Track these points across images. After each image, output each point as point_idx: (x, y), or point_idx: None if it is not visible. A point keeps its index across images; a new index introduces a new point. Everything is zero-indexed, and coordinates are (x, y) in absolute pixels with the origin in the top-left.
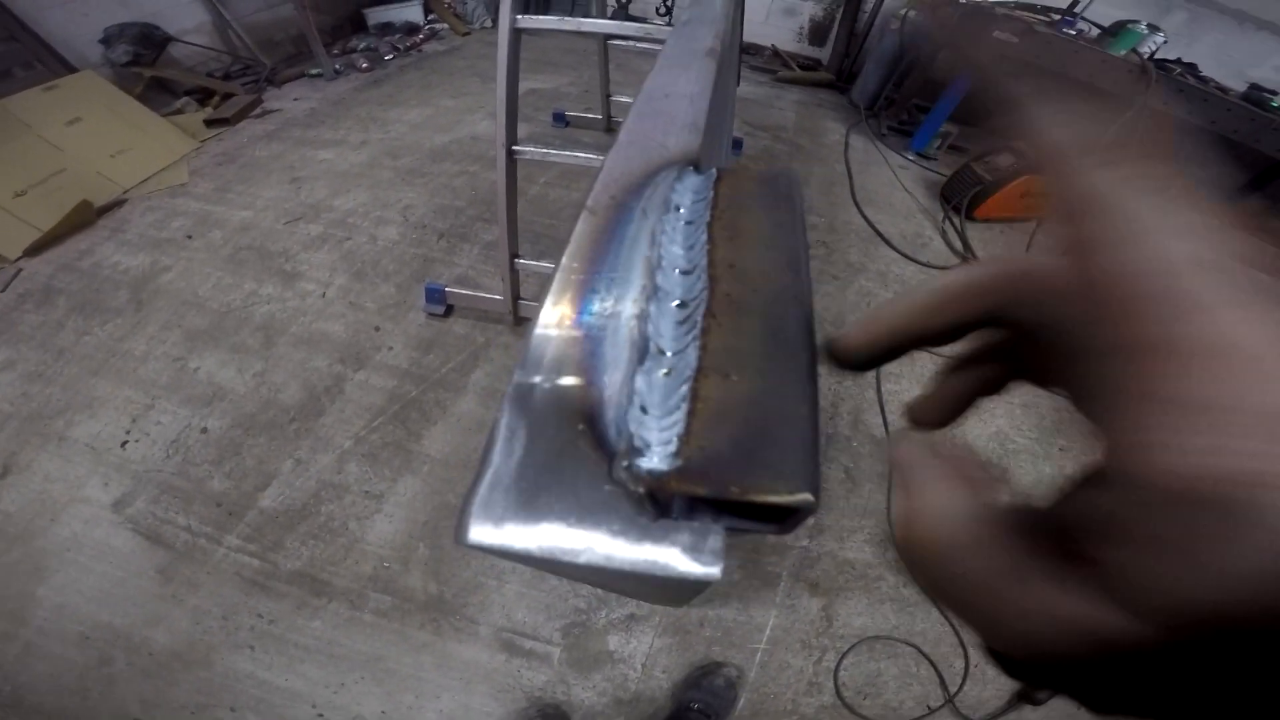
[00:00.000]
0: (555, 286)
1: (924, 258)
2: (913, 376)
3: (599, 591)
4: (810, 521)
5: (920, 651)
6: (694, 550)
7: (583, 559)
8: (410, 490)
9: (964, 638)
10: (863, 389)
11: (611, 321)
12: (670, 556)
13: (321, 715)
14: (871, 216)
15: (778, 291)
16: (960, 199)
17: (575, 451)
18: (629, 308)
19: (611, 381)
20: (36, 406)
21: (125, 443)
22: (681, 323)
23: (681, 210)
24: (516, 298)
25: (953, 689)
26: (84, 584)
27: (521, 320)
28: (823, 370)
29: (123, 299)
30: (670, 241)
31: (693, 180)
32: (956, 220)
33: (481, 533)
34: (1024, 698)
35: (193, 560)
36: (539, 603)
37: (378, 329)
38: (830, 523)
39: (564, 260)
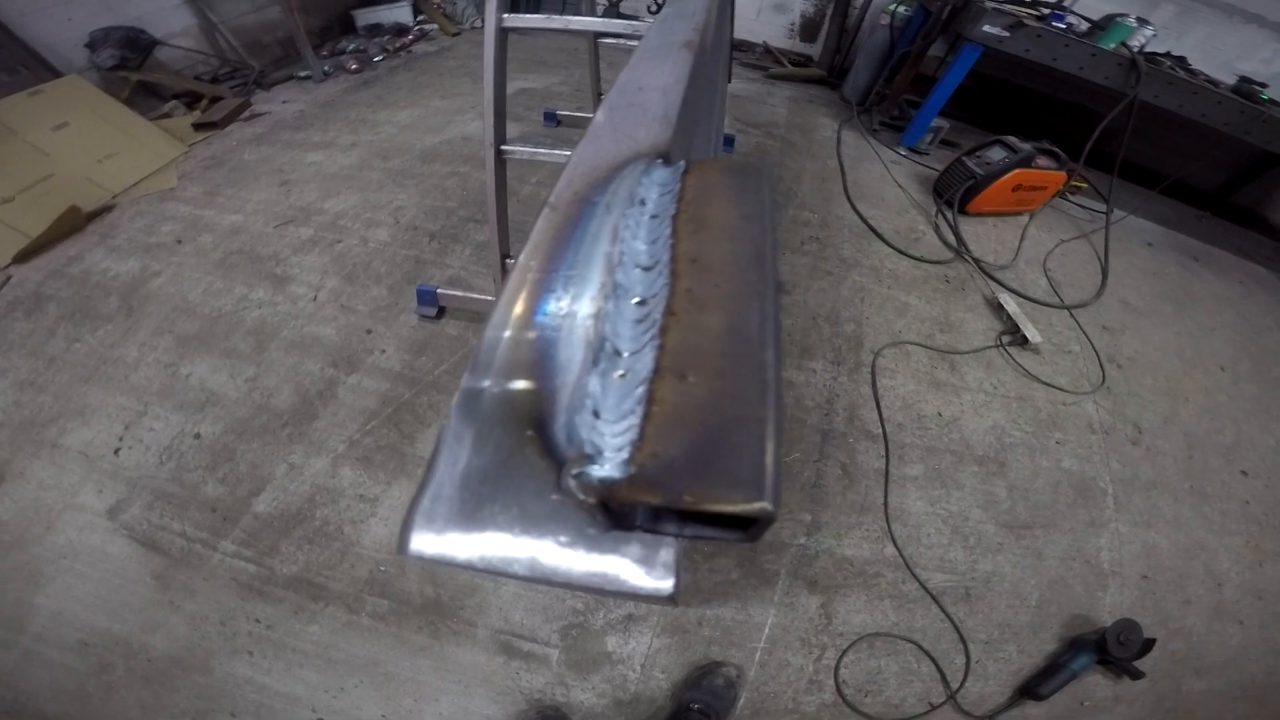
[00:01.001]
0: (510, 286)
1: (917, 252)
2: (907, 371)
3: None
4: (808, 518)
5: (921, 648)
6: (644, 563)
7: (523, 571)
8: (405, 493)
9: (964, 634)
10: (858, 385)
11: (567, 321)
12: (620, 569)
13: (321, 719)
14: (864, 212)
15: (741, 286)
16: (952, 193)
17: (522, 459)
18: (586, 306)
19: (565, 385)
20: (29, 415)
21: (118, 450)
22: (640, 321)
23: (646, 204)
24: None
25: (954, 685)
26: (81, 591)
27: None
28: (790, 368)
29: (113, 305)
30: (633, 236)
31: (660, 173)
32: (949, 214)
33: (423, 542)
34: (1026, 694)
35: (189, 566)
36: (536, 604)
37: (370, 332)
38: (828, 519)
39: (521, 259)
